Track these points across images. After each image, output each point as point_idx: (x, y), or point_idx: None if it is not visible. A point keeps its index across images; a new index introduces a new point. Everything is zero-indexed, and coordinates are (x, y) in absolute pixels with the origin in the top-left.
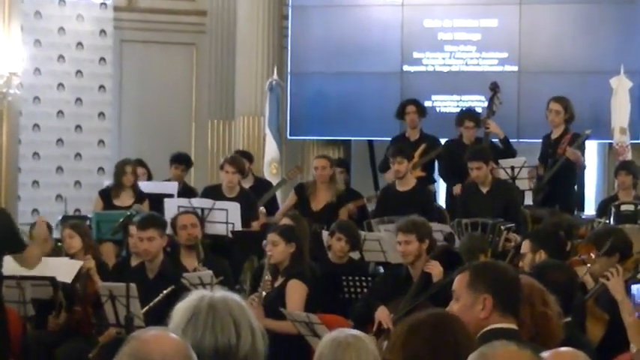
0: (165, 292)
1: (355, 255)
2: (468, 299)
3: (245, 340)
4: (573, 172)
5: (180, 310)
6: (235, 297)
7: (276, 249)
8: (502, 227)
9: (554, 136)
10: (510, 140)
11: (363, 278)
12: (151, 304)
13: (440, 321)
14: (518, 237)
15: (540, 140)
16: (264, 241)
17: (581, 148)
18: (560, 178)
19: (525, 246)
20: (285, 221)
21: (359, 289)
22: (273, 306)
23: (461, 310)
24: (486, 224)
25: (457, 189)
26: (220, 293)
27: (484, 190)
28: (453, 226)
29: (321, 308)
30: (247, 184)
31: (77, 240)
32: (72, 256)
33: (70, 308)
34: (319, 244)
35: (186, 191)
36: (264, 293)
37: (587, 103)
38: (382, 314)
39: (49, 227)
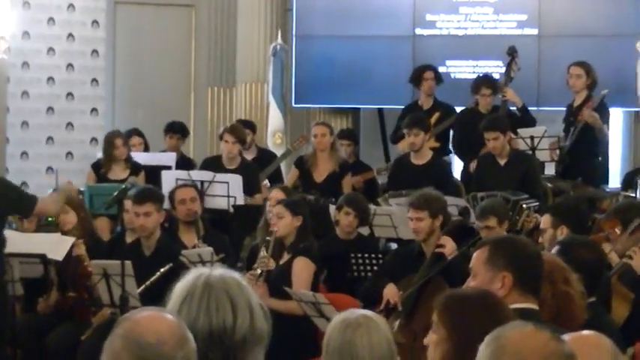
0: (162, 270)
1: (364, 231)
2: (485, 276)
3: (243, 321)
4: (595, 140)
5: (178, 289)
6: (235, 275)
7: (282, 222)
8: (524, 206)
9: (575, 103)
10: (529, 109)
11: (373, 256)
12: (148, 283)
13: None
14: (539, 217)
15: (562, 108)
16: (269, 214)
17: (601, 112)
18: (582, 147)
19: (545, 221)
20: (277, 194)
21: (368, 267)
22: (278, 284)
23: (478, 287)
24: (507, 199)
25: (474, 165)
26: (219, 271)
27: (501, 162)
28: (468, 200)
29: (328, 287)
30: (250, 155)
31: (72, 215)
32: (66, 233)
33: (62, 289)
34: (326, 219)
35: (184, 162)
36: (259, 271)
37: (612, 68)
38: (390, 291)
39: None
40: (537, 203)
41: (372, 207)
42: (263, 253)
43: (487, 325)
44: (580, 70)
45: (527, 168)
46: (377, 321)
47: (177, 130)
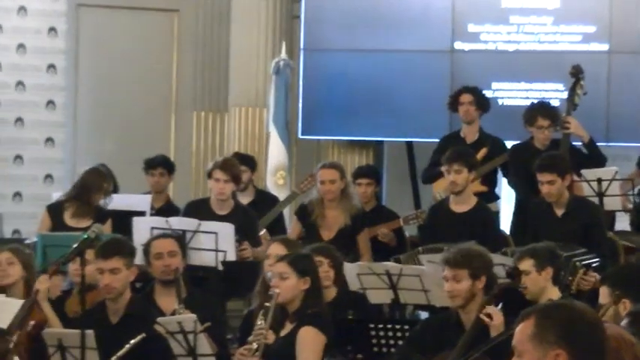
0: (132, 342)
1: (386, 296)
2: (533, 355)
3: None
4: None
5: None
6: None
7: (285, 283)
8: (578, 264)
9: None
10: (598, 144)
11: (398, 327)
12: (114, 358)
13: None
14: (598, 276)
15: (638, 144)
16: (269, 274)
17: None
18: None
19: (603, 294)
20: (276, 249)
21: (392, 341)
22: None
23: None
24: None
25: None
26: None
27: (558, 212)
28: (506, 254)
29: None
30: (246, 199)
31: (17, 268)
32: (6, 289)
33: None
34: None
35: (171, 211)
36: (255, 345)
37: None
38: None
39: None
40: (597, 259)
41: (398, 266)
42: (261, 322)
43: None
44: None
45: (590, 219)
46: None
47: (157, 165)
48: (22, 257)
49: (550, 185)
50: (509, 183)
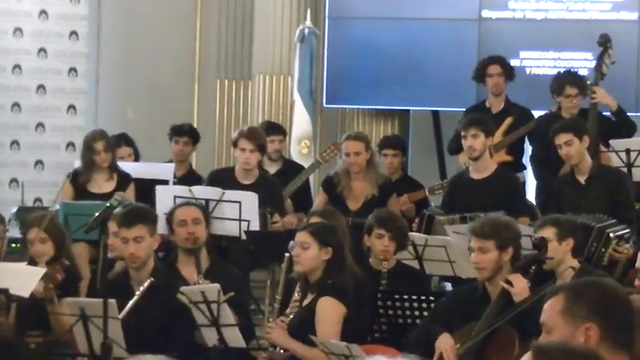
0: (142, 288)
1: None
2: (564, 330)
3: None
4: None
5: None
6: None
7: (306, 254)
8: (612, 235)
9: None
10: (627, 113)
11: (424, 297)
12: (125, 310)
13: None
14: (631, 248)
15: None
16: (291, 243)
17: None
18: None
19: None
20: (315, 220)
21: (417, 312)
22: (300, 332)
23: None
24: (589, 227)
25: None
26: None
27: (582, 179)
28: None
29: (364, 335)
30: (275, 167)
31: (49, 245)
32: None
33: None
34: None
35: (193, 180)
36: (291, 316)
37: None
38: (444, 343)
39: (2, 220)
40: (628, 230)
41: (424, 236)
42: (297, 295)
43: None
44: None
45: (616, 185)
46: None
47: (183, 133)
48: (49, 226)
49: (568, 146)
50: (532, 156)
